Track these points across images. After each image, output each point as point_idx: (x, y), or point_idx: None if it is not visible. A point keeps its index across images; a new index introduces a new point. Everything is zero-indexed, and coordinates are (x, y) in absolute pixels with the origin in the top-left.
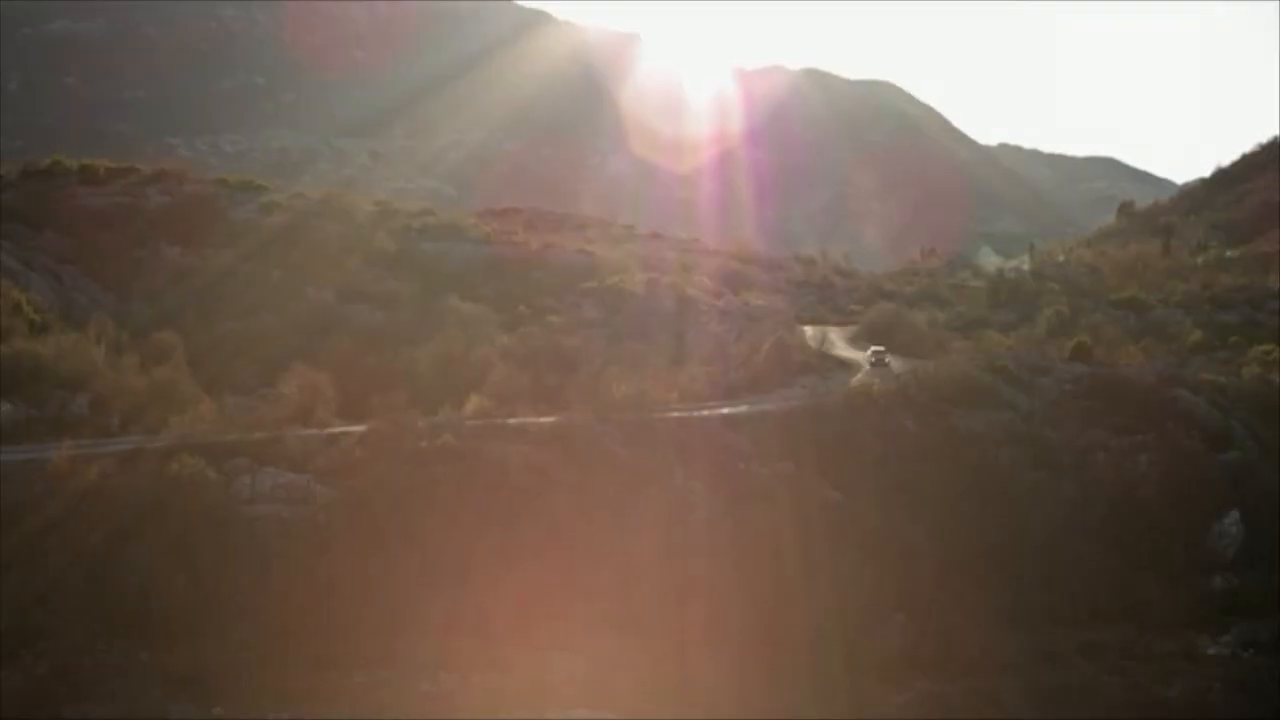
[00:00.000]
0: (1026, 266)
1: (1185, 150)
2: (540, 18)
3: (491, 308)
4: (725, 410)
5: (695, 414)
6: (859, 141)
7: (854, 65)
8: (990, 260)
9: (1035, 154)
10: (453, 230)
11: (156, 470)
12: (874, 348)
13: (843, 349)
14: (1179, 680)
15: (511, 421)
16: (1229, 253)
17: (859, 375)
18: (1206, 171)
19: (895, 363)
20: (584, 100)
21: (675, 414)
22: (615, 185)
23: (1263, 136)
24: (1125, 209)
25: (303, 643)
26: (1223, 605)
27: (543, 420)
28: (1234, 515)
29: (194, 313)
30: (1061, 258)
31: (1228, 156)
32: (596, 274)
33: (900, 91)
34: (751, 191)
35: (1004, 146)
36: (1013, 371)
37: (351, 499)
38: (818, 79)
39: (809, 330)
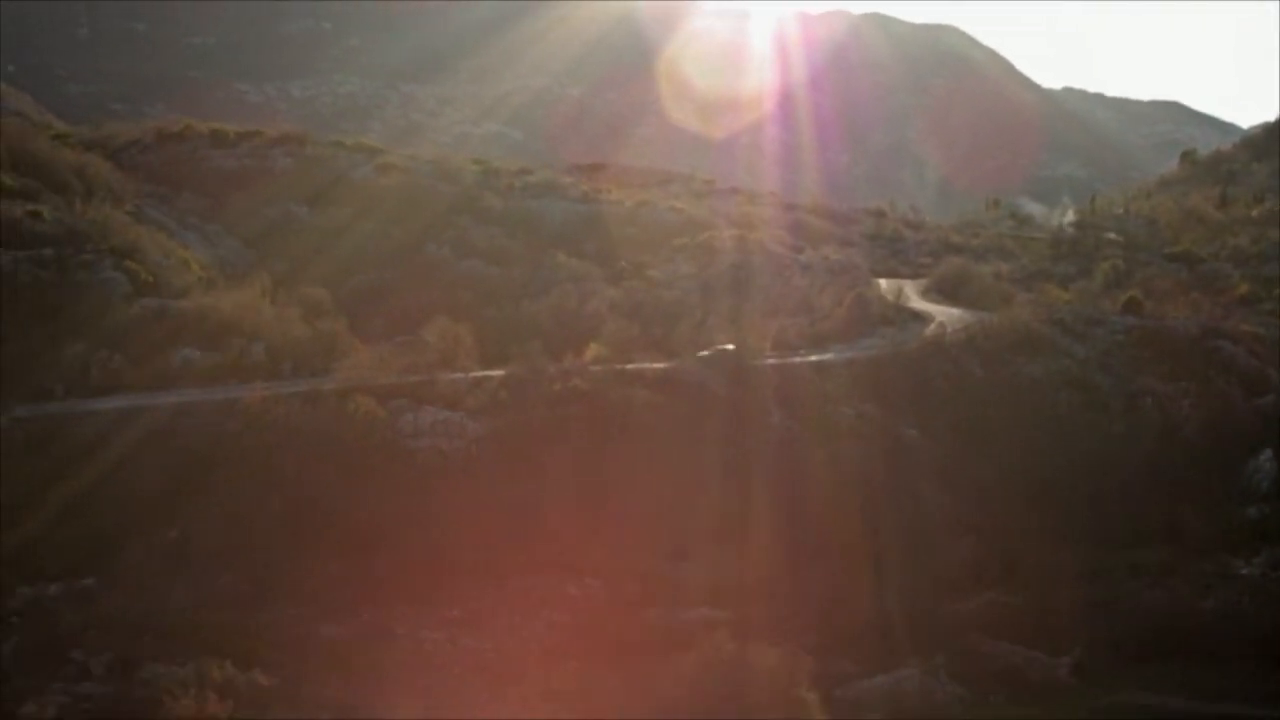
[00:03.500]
0: (1070, 218)
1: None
2: None
3: (593, 263)
4: (814, 358)
5: (788, 361)
6: (921, 86)
7: (917, 8)
8: (1031, 209)
9: (1099, 97)
10: (552, 188)
11: (333, 408)
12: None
13: (917, 302)
14: (1214, 595)
15: (629, 367)
16: None
17: (931, 327)
18: (1273, 115)
19: (965, 315)
20: (647, 44)
21: (771, 361)
22: (678, 130)
23: None
24: (1188, 156)
25: (462, 554)
26: (1255, 532)
27: (656, 366)
28: (1268, 453)
29: (325, 268)
30: (1120, 210)
31: None
32: (686, 230)
33: (963, 35)
34: (813, 137)
35: (1068, 90)
36: (1069, 323)
37: (498, 434)
38: (880, 22)
39: (883, 283)
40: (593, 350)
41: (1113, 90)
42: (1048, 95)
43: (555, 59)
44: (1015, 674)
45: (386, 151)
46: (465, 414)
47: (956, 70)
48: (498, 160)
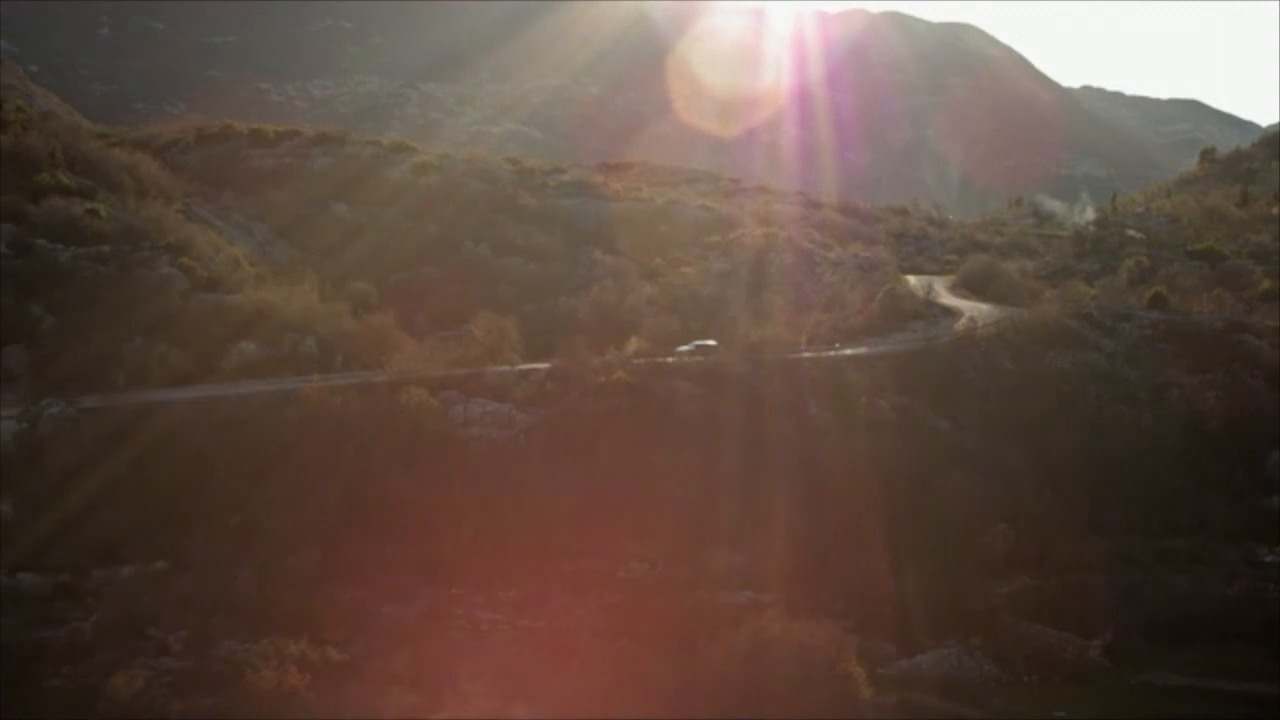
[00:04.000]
0: (1089, 215)
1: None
2: None
3: (628, 260)
4: (848, 351)
5: (823, 355)
6: (939, 84)
7: (935, 7)
8: (1050, 206)
9: (1118, 96)
10: (584, 187)
11: (387, 399)
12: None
13: (946, 298)
14: (1239, 581)
15: (670, 360)
16: None
17: (961, 321)
18: None
19: (994, 310)
20: (665, 43)
21: (806, 354)
22: (697, 128)
23: None
24: (1208, 155)
25: (515, 539)
26: (1278, 520)
27: (696, 359)
28: None
29: (367, 264)
30: (1141, 208)
31: None
32: (717, 228)
33: (982, 33)
34: (832, 135)
35: (1087, 89)
36: (1097, 318)
37: (546, 423)
38: (898, 21)
39: (912, 280)
40: (634, 344)
41: (1132, 89)
42: (1066, 94)
43: (573, 58)
44: (1049, 655)
45: (422, 151)
46: (514, 405)
47: (975, 69)
48: (529, 160)
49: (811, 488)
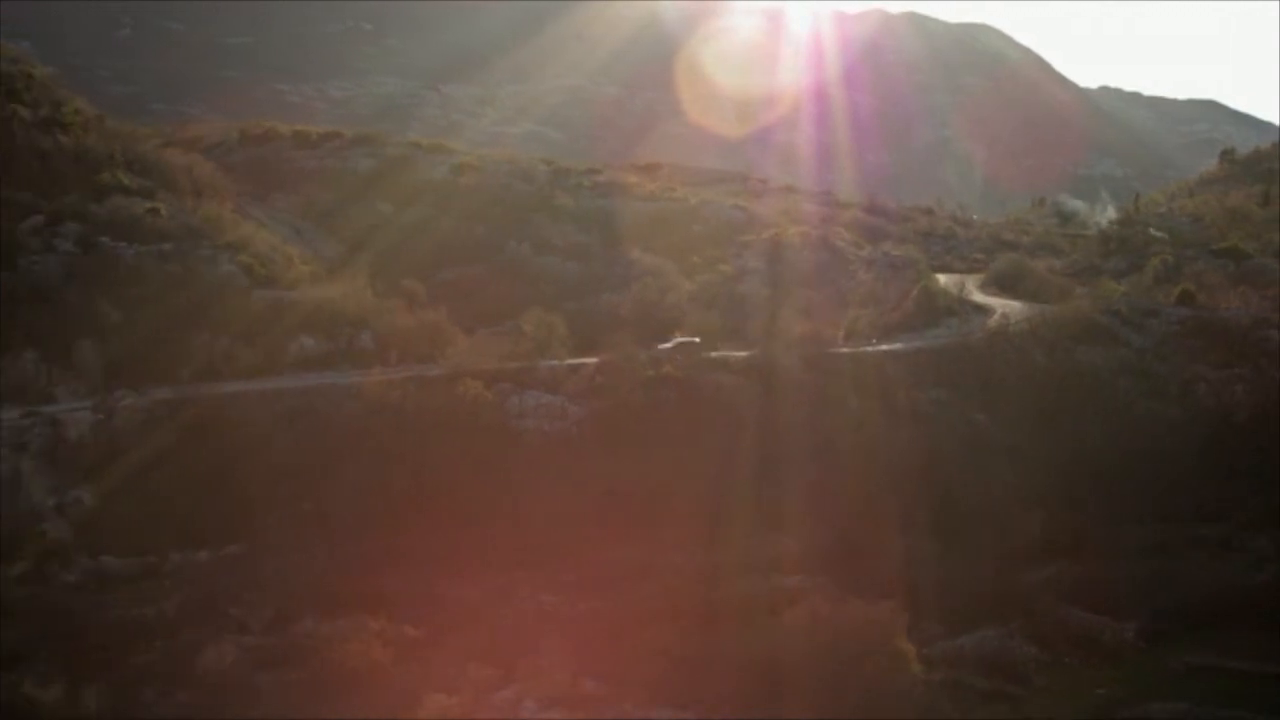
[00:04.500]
0: (1110, 214)
1: None
2: None
3: (664, 258)
4: (885, 347)
5: (861, 349)
6: (957, 84)
7: (952, 7)
8: (1072, 206)
9: (1136, 96)
10: (619, 188)
11: (445, 392)
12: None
13: (978, 295)
14: (1268, 568)
15: (714, 355)
16: None
17: (995, 317)
18: None
19: (1025, 307)
20: (683, 43)
21: (845, 349)
22: (716, 128)
23: None
24: (1227, 155)
25: (572, 525)
26: None
27: (739, 354)
28: None
29: (412, 262)
30: (1163, 208)
31: None
32: (750, 227)
33: (999, 33)
34: (851, 135)
35: (1104, 89)
36: (1127, 314)
37: (597, 415)
38: (916, 21)
39: (943, 278)
40: (678, 339)
41: (1150, 89)
42: (1084, 94)
43: (590, 58)
44: (1086, 637)
45: (462, 152)
46: (566, 398)
47: (992, 69)
48: (563, 160)
49: (854, 477)
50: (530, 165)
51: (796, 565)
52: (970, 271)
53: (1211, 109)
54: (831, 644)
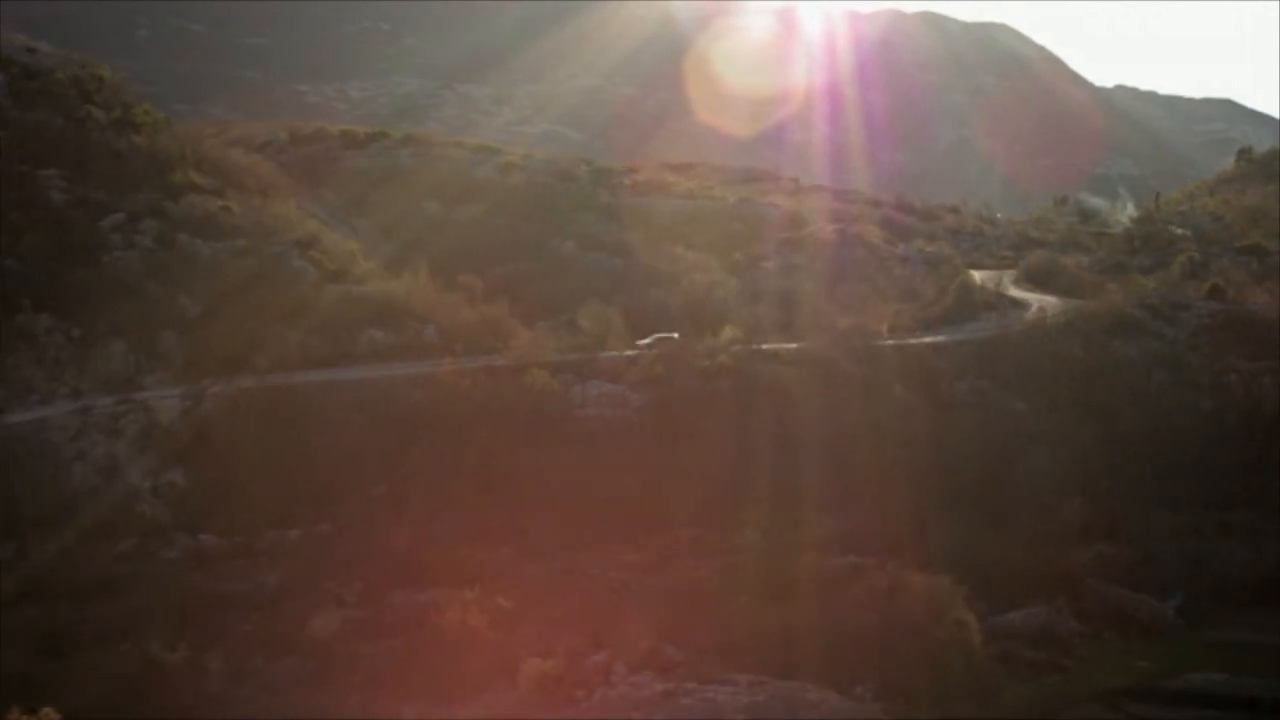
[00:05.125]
0: (1130, 212)
1: None
2: None
3: (706, 255)
4: (928, 339)
5: (905, 342)
6: (974, 84)
7: (968, 7)
8: (1093, 204)
9: (1151, 95)
10: (658, 186)
11: (512, 381)
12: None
13: (1012, 290)
14: None
15: (765, 347)
16: None
17: (1032, 311)
18: None
19: (1059, 302)
20: (696, 43)
21: (890, 342)
22: (730, 128)
23: None
24: (1244, 154)
25: (634, 507)
26: None
27: (788, 346)
28: None
29: (460, 259)
30: (1184, 206)
31: None
32: (788, 224)
33: (1015, 32)
34: (869, 135)
35: (1120, 88)
36: (1159, 308)
37: (656, 403)
38: (931, 21)
39: (976, 274)
40: (728, 332)
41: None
42: (1100, 93)
43: (606, 58)
44: (1126, 614)
45: (506, 152)
46: (626, 386)
47: (1008, 68)
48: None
49: (901, 462)
50: (571, 165)
51: (848, 545)
52: (999, 268)
53: (1227, 108)
54: (897, 614)
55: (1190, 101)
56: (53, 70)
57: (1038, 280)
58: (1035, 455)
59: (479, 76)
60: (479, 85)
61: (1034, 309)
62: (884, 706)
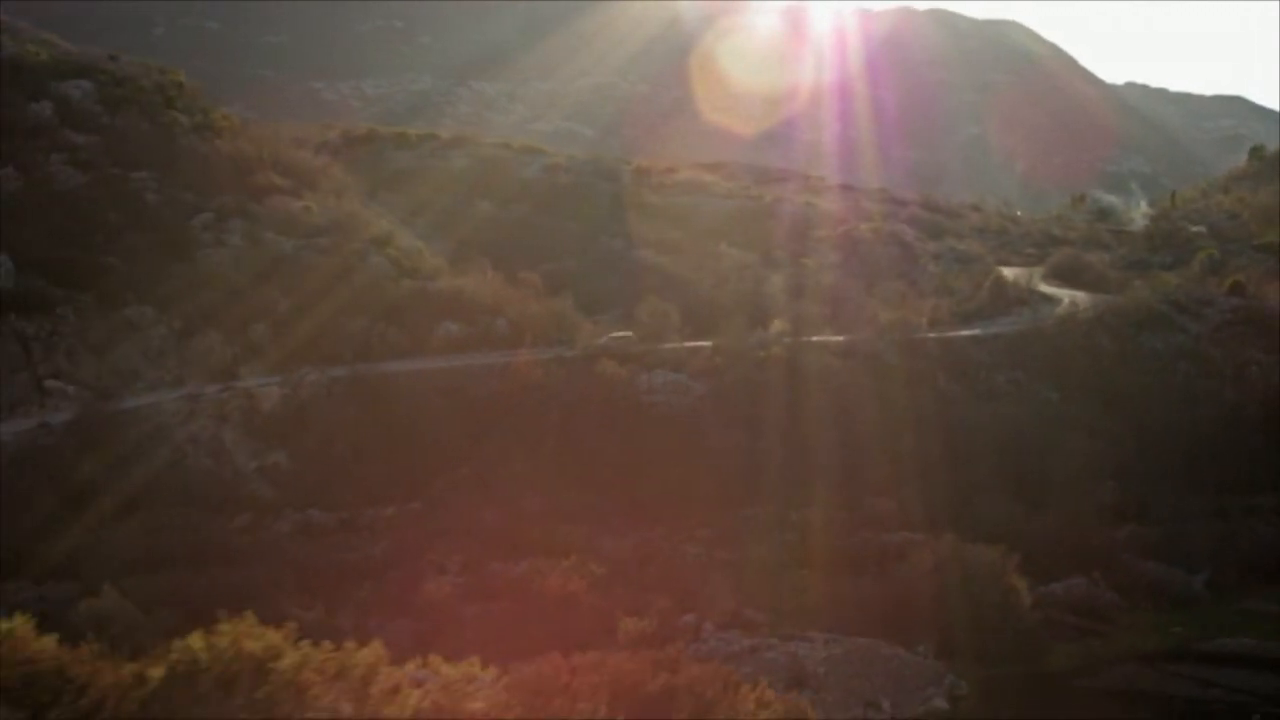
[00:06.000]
0: (1143, 210)
1: None
2: None
3: (749, 252)
4: (965, 332)
5: (945, 335)
6: (985, 81)
7: (978, 4)
8: (1107, 201)
9: (1162, 92)
10: (698, 186)
11: (583, 370)
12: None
13: (1044, 287)
14: None
15: (814, 339)
16: None
17: (1063, 306)
18: None
19: (1088, 297)
20: (709, 40)
21: (930, 335)
22: (741, 125)
23: None
24: (1256, 152)
25: (698, 487)
26: None
27: (835, 339)
28: None
29: (513, 256)
30: (1199, 204)
31: None
32: (823, 222)
33: (1027, 30)
34: (882, 132)
35: (1130, 85)
36: (1183, 304)
37: (717, 392)
38: (941, 18)
39: (1007, 271)
40: (777, 325)
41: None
42: (1111, 90)
43: (619, 54)
44: (1160, 587)
45: (551, 153)
46: (689, 376)
47: (1020, 66)
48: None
49: (946, 446)
50: (615, 165)
51: (899, 523)
52: (1025, 265)
53: (1238, 104)
54: (953, 582)
55: (1201, 99)
56: (137, 78)
57: (1064, 277)
58: (1068, 442)
59: (492, 74)
60: (492, 82)
61: (1065, 304)
62: (944, 663)
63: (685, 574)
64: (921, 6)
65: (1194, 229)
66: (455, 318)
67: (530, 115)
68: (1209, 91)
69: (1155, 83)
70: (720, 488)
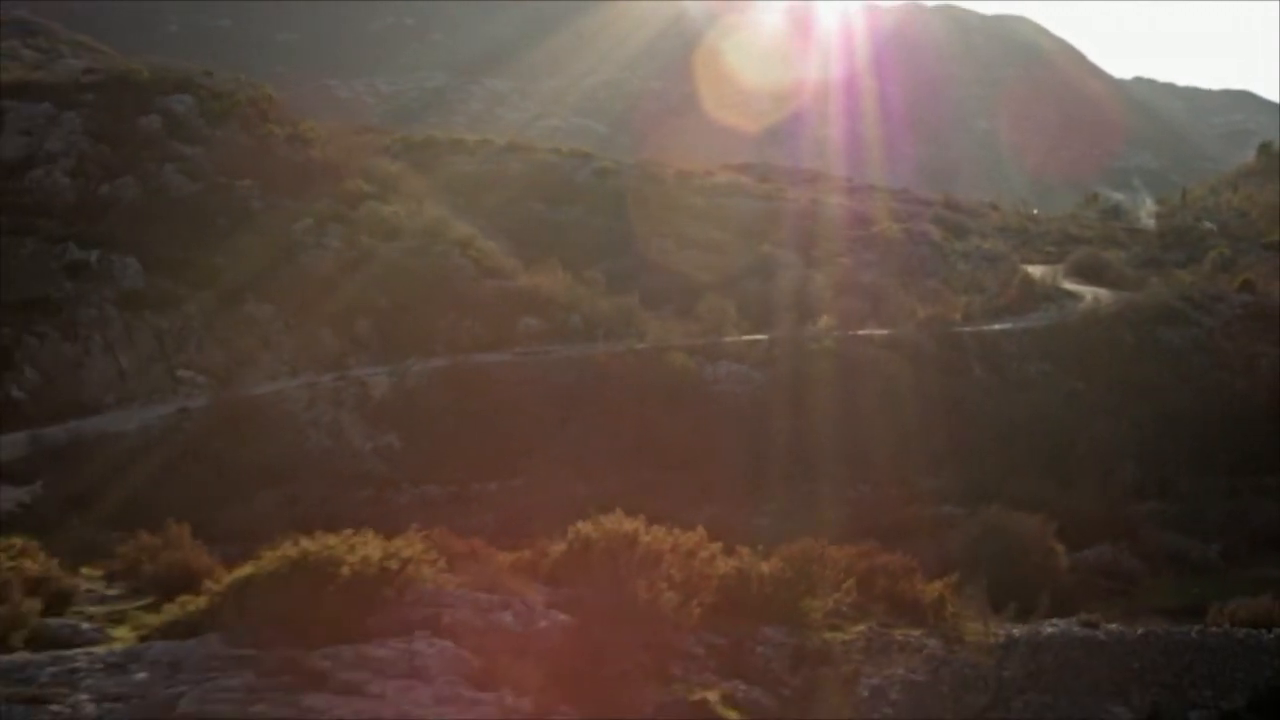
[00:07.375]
0: (1149, 207)
1: None
2: None
3: (791, 252)
4: (997, 327)
5: (980, 329)
6: (993, 77)
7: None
8: (1117, 199)
9: (1170, 87)
10: (737, 188)
11: (654, 361)
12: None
13: (1067, 284)
14: None
15: (860, 333)
16: None
17: (1085, 302)
18: None
19: (1109, 294)
20: (717, 38)
21: (966, 329)
22: (750, 123)
23: None
24: (1265, 149)
25: (761, 468)
26: None
27: (879, 332)
28: None
29: (572, 258)
30: (1208, 201)
31: None
32: (855, 223)
33: (1034, 25)
34: (888, 128)
35: (1138, 80)
36: (1198, 300)
37: (775, 381)
38: (951, 13)
39: (1032, 269)
40: (825, 320)
41: (1183, 80)
42: (1118, 85)
43: (626, 51)
44: (1179, 556)
45: (600, 157)
46: (750, 366)
47: (1028, 61)
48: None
49: (980, 431)
50: (658, 169)
51: (946, 499)
52: (1045, 263)
53: (1245, 100)
54: (1001, 546)
55: (1208, 93)
56: (233, 92)
57: (1085, 274)
58: (1094, 427)
59: (502, 70)
60: (505, 80)
61: (1088, 300)
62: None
63: (760, 540)
64: (929, 2)
65: (1205, 226)
66: (533, 313)
67: (541, 111)
68: (1216, 86)
69: (1163, 77)
70: (781, 468)
